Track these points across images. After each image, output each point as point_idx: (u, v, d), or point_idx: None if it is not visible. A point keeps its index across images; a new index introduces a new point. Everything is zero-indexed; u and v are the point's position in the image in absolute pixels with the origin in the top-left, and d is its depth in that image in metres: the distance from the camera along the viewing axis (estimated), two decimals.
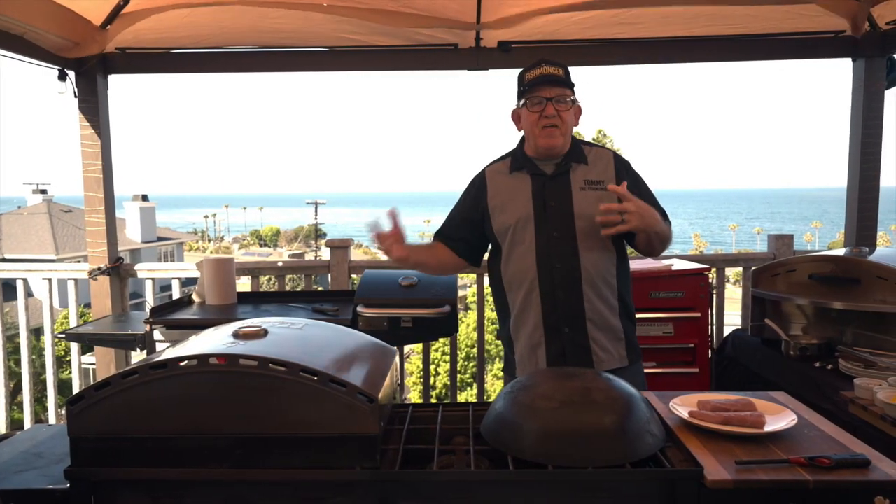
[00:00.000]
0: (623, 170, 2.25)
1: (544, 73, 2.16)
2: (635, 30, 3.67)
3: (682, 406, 1.77)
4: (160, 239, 35.72)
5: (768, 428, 1.62)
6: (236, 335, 1.63)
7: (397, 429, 1.72)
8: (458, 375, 14.49)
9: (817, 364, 2.73)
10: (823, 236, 63.56)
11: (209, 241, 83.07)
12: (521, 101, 2.22)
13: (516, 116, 2.29)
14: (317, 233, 50.82)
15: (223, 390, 1.48)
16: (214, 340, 1.65)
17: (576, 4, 3.32)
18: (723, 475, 1.43)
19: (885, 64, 3.66)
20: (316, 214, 45.96)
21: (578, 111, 2.23)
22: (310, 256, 45.66)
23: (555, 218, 2.18)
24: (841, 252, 3.12)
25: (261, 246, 77.64)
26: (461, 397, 14.15)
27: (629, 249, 2.32)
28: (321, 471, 1.47)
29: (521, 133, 2.30)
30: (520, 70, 2.25)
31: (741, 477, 1.42)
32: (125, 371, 1.49)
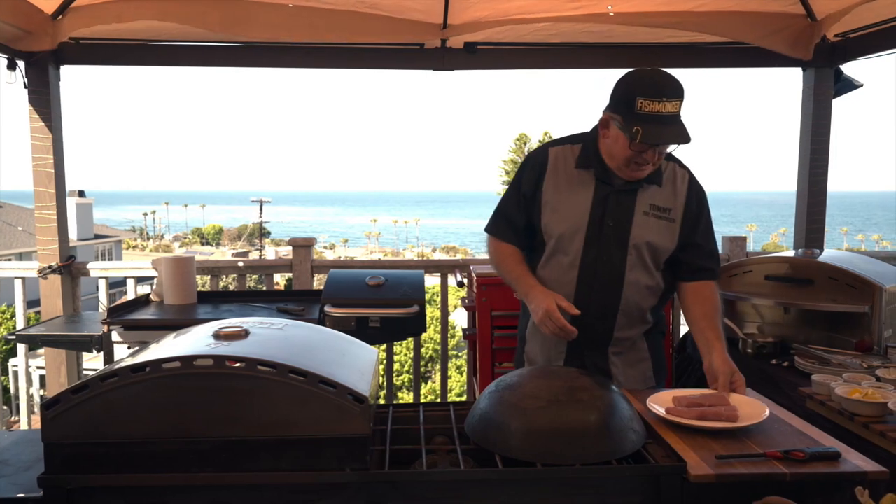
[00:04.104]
0: (693, 200, 2.05)
1: (663, 114, 1.81)
2: (600, 35, 3.74)
3: (659, 403, 1.81)
4: (97, 237, 34.50)
5: (743, 422, 1.68)
6: (217, 336, 1.59)
7: (380, 429, 1.71)
8: (405, 376, 14.34)
9: (774, 361, 2.83)
10: (758, 238, 65.91)
11: (148, 238, 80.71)
12: (624, 128, 1.86)
13: (605, 124, 1.96)
14: (261, 231, 49.91)
15: (208, 393, 1.44)
16: (195, 342, 1.61)
17: (541, 18, 3.35)
18: (705, 469, 1.47)
19: (833, 74, 3.83)
20: (261, 213, 45.10)
21: None
22: (254, 255, 44.79)
23: (608, 240, 2.00)
24: (791, 254, 3.25)
25: (202, 244, 75.80)
26: (409, 398, 14.12)
27: None
28: (309, 473, 1.44)
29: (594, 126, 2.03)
30: (622, 77, 1.91)
31: (722, 471, 1.47)
32: (104, 374, 1.44)
